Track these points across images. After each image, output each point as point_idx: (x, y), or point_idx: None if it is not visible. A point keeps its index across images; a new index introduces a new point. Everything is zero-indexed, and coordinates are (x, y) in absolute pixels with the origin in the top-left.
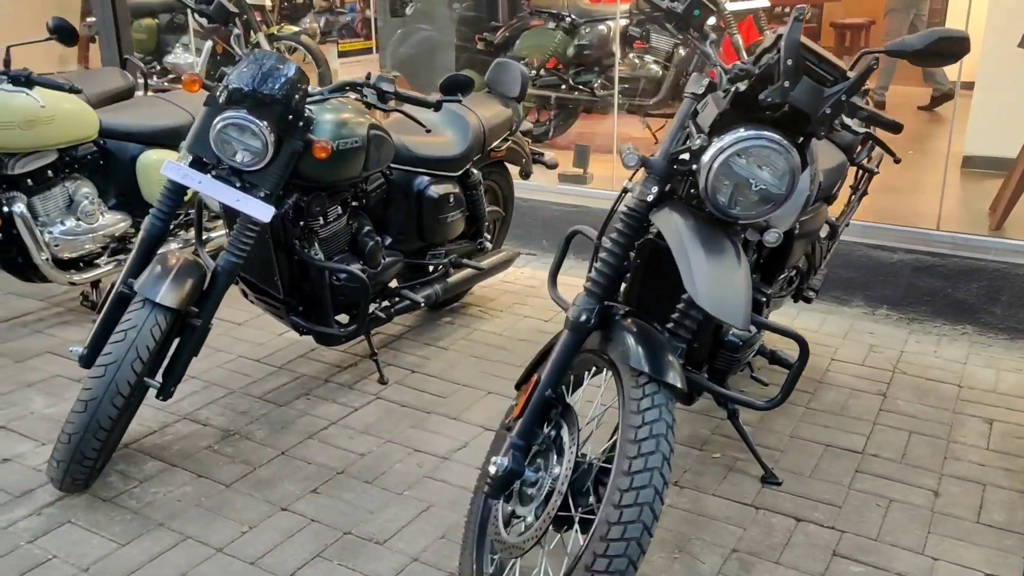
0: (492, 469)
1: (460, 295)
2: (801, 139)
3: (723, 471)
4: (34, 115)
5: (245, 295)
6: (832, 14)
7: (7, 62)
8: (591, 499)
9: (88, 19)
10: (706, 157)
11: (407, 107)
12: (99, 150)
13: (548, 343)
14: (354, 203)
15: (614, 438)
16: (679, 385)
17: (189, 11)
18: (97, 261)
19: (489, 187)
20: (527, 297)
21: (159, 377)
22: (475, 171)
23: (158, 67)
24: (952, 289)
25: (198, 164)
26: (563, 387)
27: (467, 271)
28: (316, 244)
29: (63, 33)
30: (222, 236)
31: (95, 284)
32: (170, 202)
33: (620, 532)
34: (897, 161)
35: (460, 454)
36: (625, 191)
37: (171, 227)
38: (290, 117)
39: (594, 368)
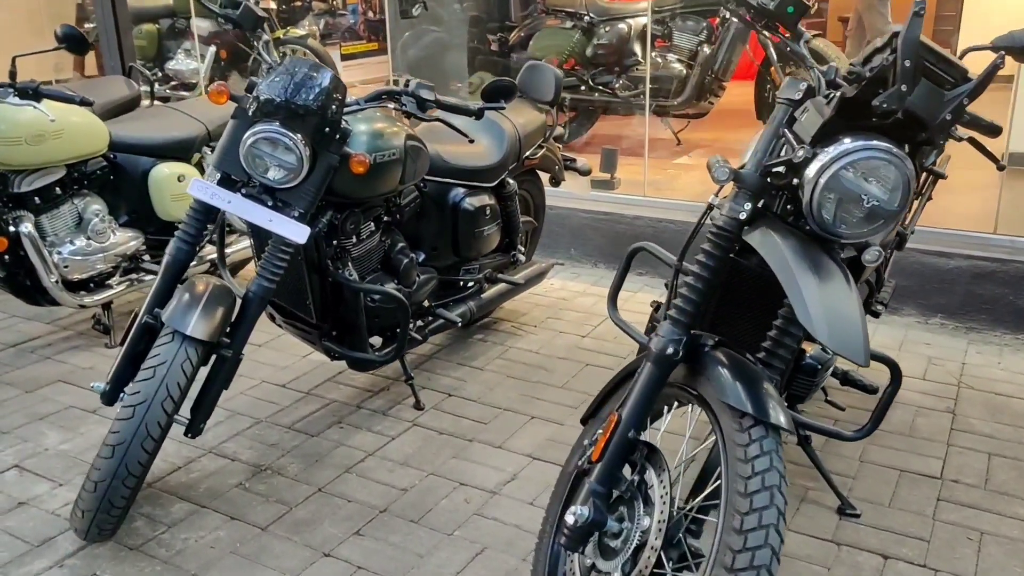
0: (571, 520)
1: (491, 311)
2: (908, 148)
3: (795, 502)
4: (42, 130)
5: (272, 319)
6: (840, 7)
7: (13, 74)
8: (681, 549)
9: (85, 25)
10: (811, 170)
11: (448, 116)
12: (109, 164)
13: (618, 373)
14: (387, 219)
15: (714, 483)
16: (787, 427)
17: (190, 18)
18: (109, 282)
19: (521, 196)
20: (560, 311)
21: (187, 412)
22: (511, 181)
23: (160, 74)
24: (1014, 296)
25: (226, 182)
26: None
27: (501, 286)
28: (350, 264)
29: (73, 42)
30: (239, 251)
31: (107, 306)
32: (197, 224)
33: None
34: (1001, 168)
35: (509, 488)
36: (711, 207)
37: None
38: (327, 130)
39: (676, 403)
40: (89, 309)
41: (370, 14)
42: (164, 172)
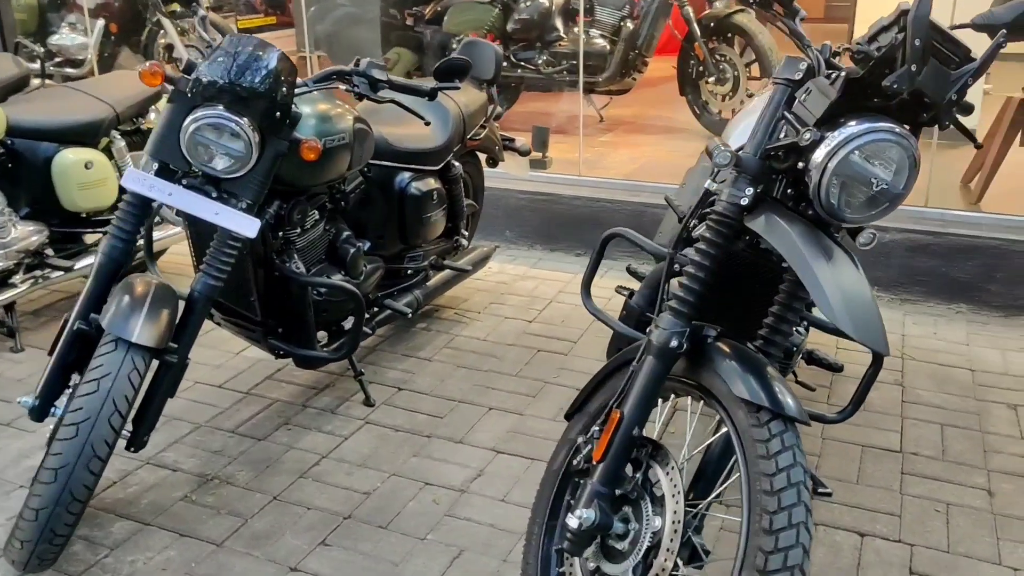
0: (574, 523)
1: (435, 299)
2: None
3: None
4: None
5: (210, 317)
6: None
7: None
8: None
9: None
10: (819, 154)
11: (401, 97)
12: (6, 152)
13: (606, 367)
14: (330, 206)
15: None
16: (804, 418)
17: None
18: (12, 280)
19: (463, 179)
20: (502, 296)
21: (128, 425)
22: (456, 163)
23: (43, 50)
24: (947, 268)
25: (164, 171)
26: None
27: (446, 273)
28: (296, 257)
29: None
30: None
31: (9, 307)
32: (133, 219)
33: None
34: (979, 147)
35: (478, 485)
36: (708, 193)
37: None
38: (277, 114)
39: (672, 395)
40: None
41: None
42: (69, 159)
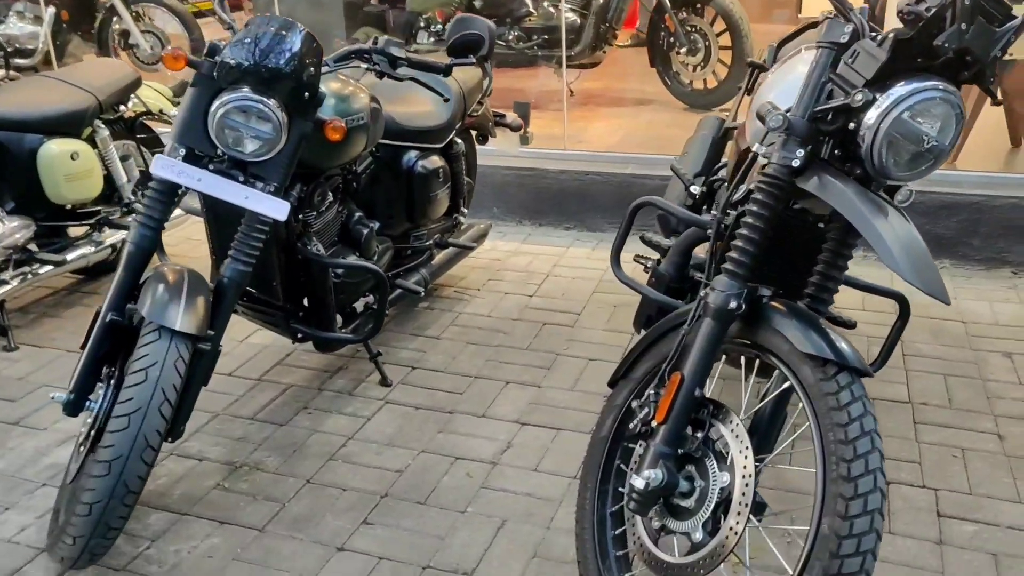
0: (640, 484)
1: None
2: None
3: (787, 438)
4: None
5: None
6: None
7: None
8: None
9: None
10: (872, 114)
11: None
12: None
13: (647, 335)
14: (342, 187)
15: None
16: (865, 369)
17: None
18: (1, 277)
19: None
20: (498, 272)
21: None
22: (458, 141)
23: None
24: (931, 225)
25: (190, 157)
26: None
27: (448, 250)
28: (315, 239)
29: None
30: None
31: (0, 305)
32: (161, 206)
33: (854, 546)
34: (997, 103)
35: (508, 457)
36: (755, 156)
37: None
38: (305, 94)
39: (724, 357)
40: None
41: None
42: (55, 150)
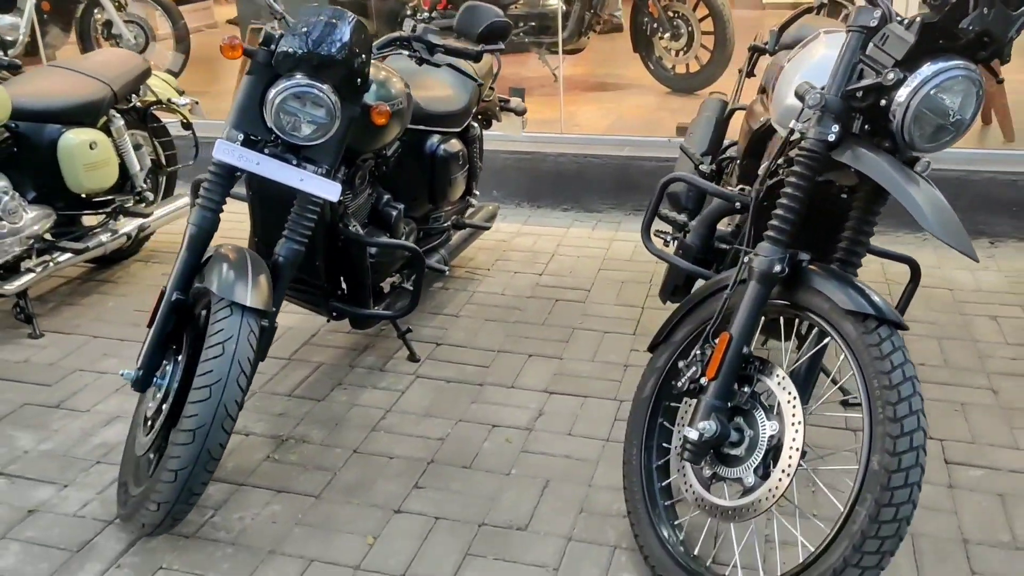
0: (694, 435)
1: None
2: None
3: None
4: None
5: None
6: None
7: None
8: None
9: None
10: (904, 92)
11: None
12: (11, 135)
13: (686, 303)
14: (373, 170)
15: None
16: (901, 322)
17: None
18: (24, 265)
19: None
20: (505, 252)
21: None
22: (475, 124)
23: None
24: None
25: (246, 142)
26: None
27: (464, 231)
28: (353, 220)
29: None
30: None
31: (22, 293)
32: (220, 189)
33: (903, 479)
34: (1000, 81)
35: (542, 423)
36: (792, 132)
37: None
38: (358, 80)
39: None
40: (7, 298)
41: None
42: (75, 140)
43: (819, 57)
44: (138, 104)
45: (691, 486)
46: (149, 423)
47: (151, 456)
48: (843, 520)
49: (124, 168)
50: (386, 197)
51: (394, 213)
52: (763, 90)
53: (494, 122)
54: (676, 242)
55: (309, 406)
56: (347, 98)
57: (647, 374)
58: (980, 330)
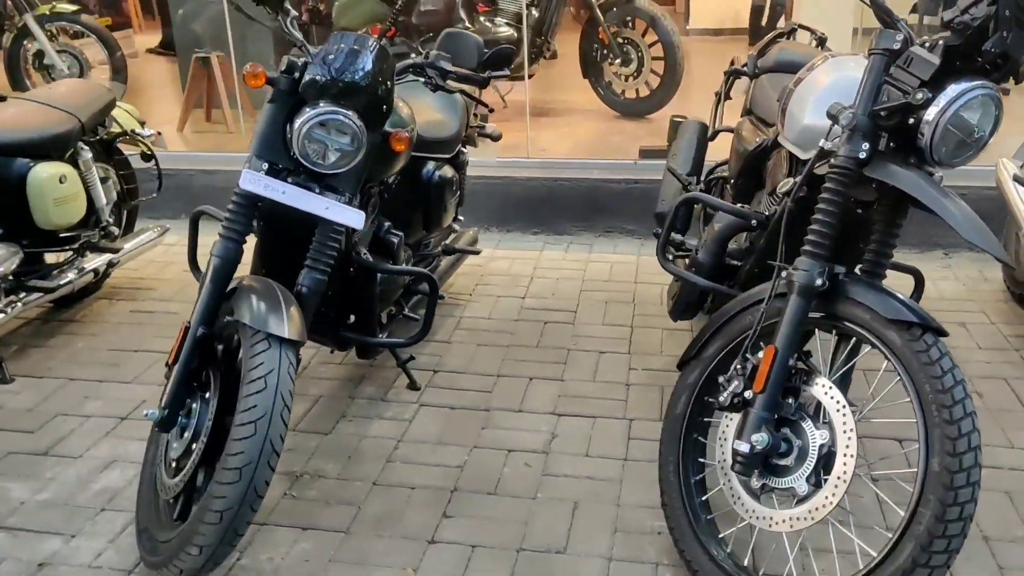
0: (746, 448)
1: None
2: None
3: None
4: None
5: None
6: None
7: None
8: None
9: None
10: (933, 111)
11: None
12: None
13: (715, 320)
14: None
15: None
16: (942, 328)
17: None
18: None
19: None
20: (484, 277)
21: None
22: (464, 150)
23: None
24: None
25: (271, 171)
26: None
27: (451, 256)
28: (363, 248)
29: None
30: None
31: None
32: (244, 219)
33: (965, 478)
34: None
35: (558, 445)
36: (823, 150)
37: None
38: (384, 107)
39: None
40: None
41: None
42: (44, 174)
43: (833, 79)
44: (104, 136)
45: (739, 498)
46: (174, 465)
47: (175, 499)
48: (906, 522)
49: (91, 202)
50: (387, 224)
51: (396, 240)
52: (749, 111)
53: (469, 148)
54: (691, 259)
55: (317, 440)
56: (371, 125)
57: (678, 391)
58: (952, 337)
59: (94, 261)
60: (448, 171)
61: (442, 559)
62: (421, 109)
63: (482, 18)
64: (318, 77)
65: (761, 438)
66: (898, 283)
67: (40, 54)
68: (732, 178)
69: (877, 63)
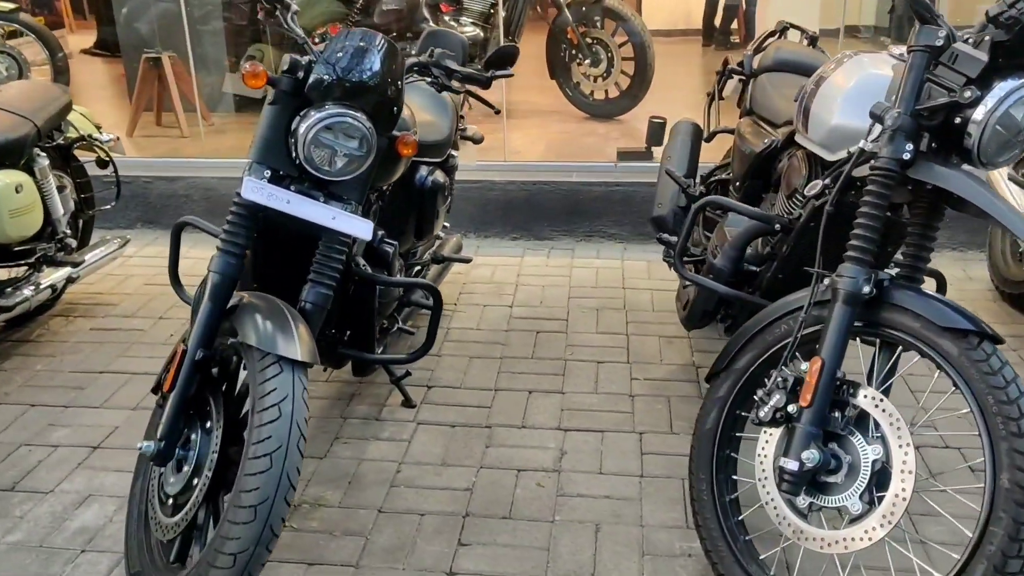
0: (794, 466)
1: None
2: None
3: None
4: None
5: None
6: None
7: None
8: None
9: None
10: (981, 109)
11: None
12: None
13: (745, 330)
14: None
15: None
16: (999, 336)
17: None
18: None
19: None
20: (467, 285)
21: None
22: (454, 154)
23: None
24: None
25: (273, 178)
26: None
27: (440, 265)
28: (361, 259)
29: None
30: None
31: None
32: (245, 232)
33: None
34: None
35: (568, 463)
36: (862, 152)
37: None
38: (394, 109)
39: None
40: None
41: None
42: (0, 184)
43: (860, 78)
44: (61, 141)
45: (785, 518)
46: (172, 502)
47: (171, 540)
48: (976, 542)
49: (47, 213)
50: (381, 233)
51: (390, 250)
52: (750, 111)
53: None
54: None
55: (313, 465)
56: (380, 128)
57: (708, 405)
58: None
59: (52, 276)
60: (440, 176)
61: None
62: (412, 110)
63: (447, 18)
64: (326, 77)
65: (812, 455)
66: None
67: None
68: (737, 180)
69: (919, 60)
